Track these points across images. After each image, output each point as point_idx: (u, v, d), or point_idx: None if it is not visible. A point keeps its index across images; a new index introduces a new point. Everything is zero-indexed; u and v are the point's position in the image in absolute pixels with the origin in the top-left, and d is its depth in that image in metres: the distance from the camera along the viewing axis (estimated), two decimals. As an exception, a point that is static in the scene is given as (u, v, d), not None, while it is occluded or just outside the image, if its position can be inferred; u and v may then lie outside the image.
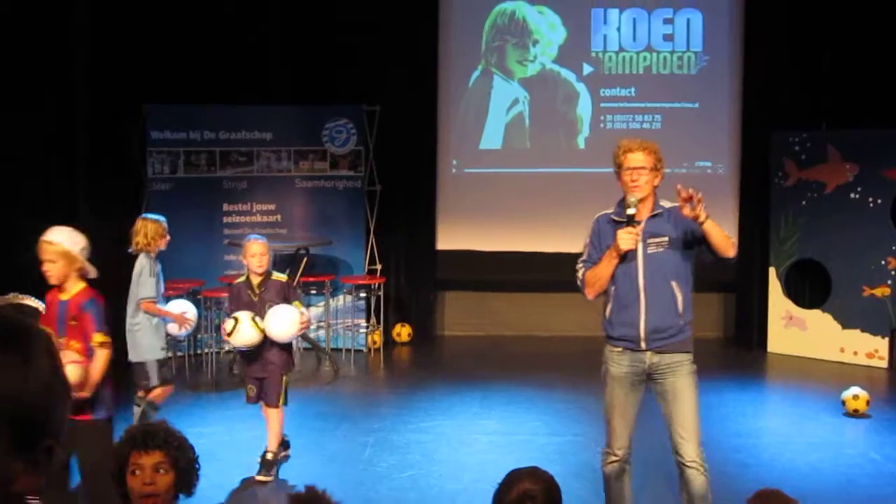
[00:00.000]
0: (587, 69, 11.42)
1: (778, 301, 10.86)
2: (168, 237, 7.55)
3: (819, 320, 10.55)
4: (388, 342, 11.20)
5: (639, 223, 5.23)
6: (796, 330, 10.69)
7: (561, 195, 11.48)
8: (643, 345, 5.25)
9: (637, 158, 5.33)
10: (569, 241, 11.44)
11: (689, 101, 11.42)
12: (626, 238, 5.15)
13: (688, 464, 5.31)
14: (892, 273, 10.02)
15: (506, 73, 11.52)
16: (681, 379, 5.32)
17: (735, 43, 11.33)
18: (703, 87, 11.39)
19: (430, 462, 7.20)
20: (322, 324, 10.82)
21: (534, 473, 3.20)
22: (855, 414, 8.31)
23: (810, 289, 10.81)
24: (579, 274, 5.50)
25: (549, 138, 11.58)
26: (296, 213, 11.05)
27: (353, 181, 11.03)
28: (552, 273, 11.55)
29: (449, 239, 11.65)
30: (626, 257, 5.21)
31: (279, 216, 11.02)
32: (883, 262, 10.06)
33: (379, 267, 11.15)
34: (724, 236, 5.20)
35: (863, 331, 10.27)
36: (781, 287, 10.82)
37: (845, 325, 10.37)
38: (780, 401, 9.30)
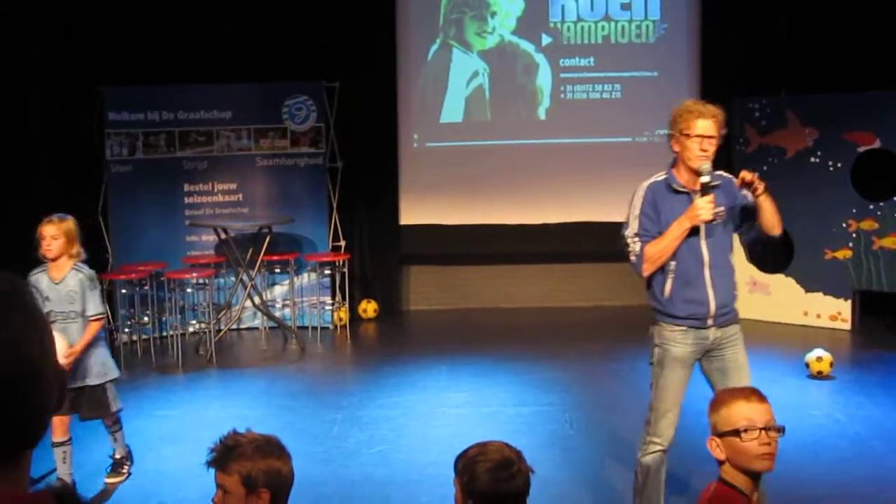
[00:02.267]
0: (546, 40, 11.40)
1: (741, 267, 10.88)
2: None
3: (782, 285, 10.63)
4: (354, 319, 11.18)
5: (713, 190, 4.87)
6: (760, 295, 10.77)
7: (523, 166, 11.49)
8: (710, 321, 4.92)
9: (707, 126, 4.97)
10: (531, 212, 11.51)
11: (649, 70, 11.43)
12: (707, 208, 4.77)
13: None
14: (854, 236, 10.10)
15: (465, 45, 11.48)
16: (740, 350, 5.05)
17: (693, 10, 11.34)
18: (661, 55, 11.41)
19: (399, 436, 7.21)
20: (287, 302, 10.79)
21: (498, 441, 3.20)
22: (819, 376, 8.40)
23: (773, 254, 10.88)
24: (635, 248, 4.97)
25: (509, 110, 11.56)
26: (257, 191, 10.98)
27: (314, 158, 10.98)
28: (516, 245, 11.59)
29: (412, 213, 11.63)
30: (691, 230, 4.83)
31: (241, 195, 10.95)
32: (844, 225, 10.15)
33: (343, 243, 11.11)
34: (775, 211, 4.88)
35: (825, 294, 10.36)
36: (745, 252, 10.88)
37: (808, 289, 10.46)
38: (746, 365, 9.36)
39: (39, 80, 9.37)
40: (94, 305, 6.11)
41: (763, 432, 3.22)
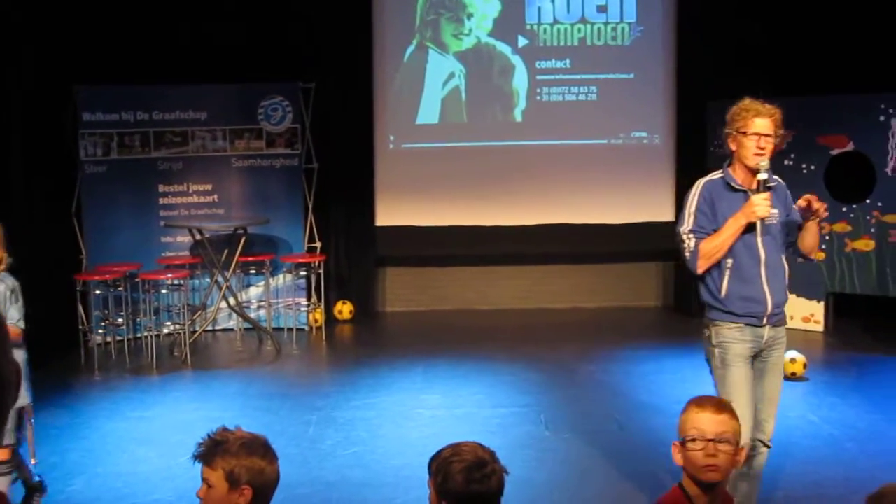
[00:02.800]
0: (522, 42, 11.42)
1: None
2: None
3: (756, 286, 10.67)
4: (330, 320, 11.16)
5: (771, 189, 4.89)
6: (734, 296, 10.80)
7: (499, 168, 11.50)
8: (765, 320, 4.89)
9: (765, 125, 4.97)
10: (507, 214, 11.53)
11: (624, 72, 11.47)
12: (764, 204, 4.77)
13: (767, 442, 5.07)
14: (827, 238, 10.16)
15: (441, 47, 11.48)
16: (780, 354, 5.06)
17: (668, 13, 11.39)
18: (637, 57, 11.45)
19: (375, 438, 7.20)
20: (263, 303, 10.76)
21: (473, 442, 3.20)
22: (793, 377, 8.43)
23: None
24: (689, 244, 4.91)
25: (485, 112, 11.57)
26: (233, 192, 10.94)
27: (289, 159, 10.95)
28: (492, 246, 11.61)
29: (388, 215, 11.62)
30: (747, 227, 4.81)
31: (216, 196, 10.91)
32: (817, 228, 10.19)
33: (318, 245, 11.09)
34: (818, 235, 5.02)
35: (799, 295, 10.41)
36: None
37: (782, 291, 10.50)
38: (720, 367, 9.40)
39: (14, 80, 9.28)
40: (11, 318, 5.56)
41: (710, 444, 3.20)
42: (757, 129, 4.94)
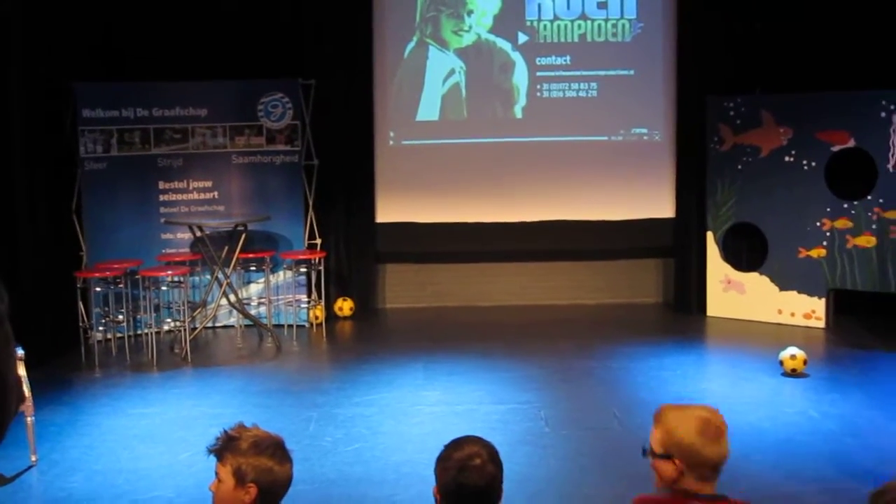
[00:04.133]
0: (522, 38, 11.41)
1: (716, 265, 10.98)
2: None
3: (757, 283, 10.68)
4: (330, 317, 11.16)
5: None
6: (735, 293, 10.82)
7: (499, 165, 11.50)
8: None
9: None
10: (507, 210, 11.53)
11: (625, 69, 11.46)
12: None
13: None
14: (828, 234, 10.16)
15: (441, 43, 11.47)
16: None
17: (669, 9, 11.37)
18: (637, 54, 11.44)
19: (375, 435, 7.20)
20: (263, 300, 10.76)
21: (476, 438, 3.21)
22: (793, 374, 8.44)
23: (748, 252, 10.94)
24: None
25: (485, 108, 11.57)
26: (233, 189, 10.94)
27: (290, 156, 10.94)
28: (492, 243, 11.60)
29: (388, 211, 11.62)
30: None
31: (216, 193, 10.90)
32: (818, 224, 10.20)
33: (319, 241, 11.08)
34: None
35: (800, 292, 10.41)
36: (719, 251, 10.93)
37: (783, 287, 10.51)
38: (721, 363, 9.41)
39: (13, 77, 9.27)
40: None
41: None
42: None
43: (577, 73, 11.46)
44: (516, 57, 11.44)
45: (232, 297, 10.25)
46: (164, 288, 10.21)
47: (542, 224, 11.52)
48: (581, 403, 7.96)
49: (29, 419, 6.51)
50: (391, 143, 11.56)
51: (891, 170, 9.78)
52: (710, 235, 10.98)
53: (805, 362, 8.47)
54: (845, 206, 10.06)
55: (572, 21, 11.39)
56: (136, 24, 10.52)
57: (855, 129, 9.95)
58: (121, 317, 10.13)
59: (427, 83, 11.51)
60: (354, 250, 11.61)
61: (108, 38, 10.44)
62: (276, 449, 3.27)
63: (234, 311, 10.51)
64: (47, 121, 9.92)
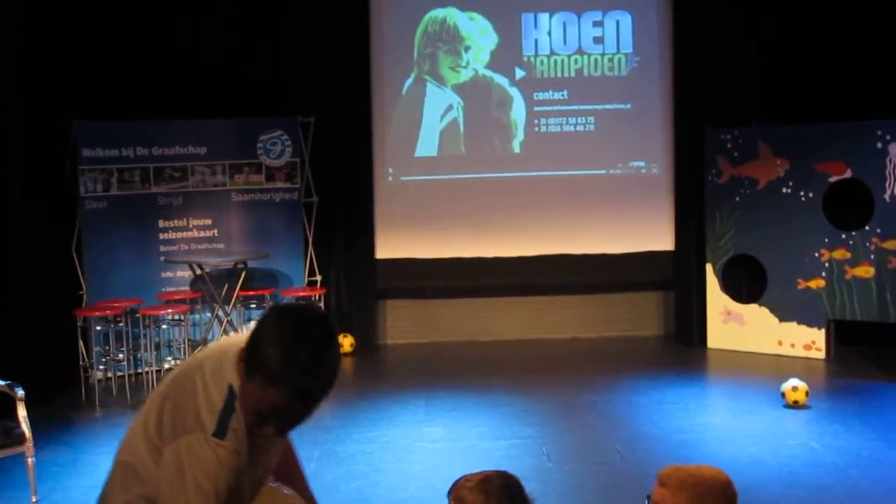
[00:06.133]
0: (519, 73, 11.47)
1: (716, 297, 10.98)
2: None
3: (756, 314, 10.68)
4: (331, 353, 11.11)
5: None
6: (735, 325, 10.82)
7: (498, 200, 11.53)
8: None
9: None
10: (507, 245, 11.54)
11: (622, 102, 11.52)
12: None
13: None
14: (826, 265, 10.17)
15: (439, 79, 11.53)
16: None
17: (664, 43, 11.44)
18: (634, 87, 11.50)
19: (377, 472, 7.18)
20: (263, 337, 10.72)
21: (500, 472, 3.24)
22: (795, 405, 8.43)
23: (747, 284, 10.95)
24: None
25: (484, 144, 11.61)
26: (233, 227, 10.96)
27: (289, 193, 10.98)
28: (492, 278, 11.61)
29: (388, 247, 11.63)
30: None
31: (216, 231, 10.92)
32: (816, 255, 10.22)
33: (319, 278, 11.10)
34: None
35: (799, 323, 10.41)
36: (719, 283, 10.94)
37: (782, 319, 10.51)
38: (722, 395, 9.40)
39: (13, 115, 9.29)
40: None
41: None
42: None
43: (575, 107, 11.51)
44: (514, 92, 11.50)
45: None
46: (164, 326, 10.21)
47: (541, 258, 11.53)
48: (583, 438, 7.94)
49: (29, 459, 6.50)
50: (390, 179, 11.60)
51: (888, 200, 9.82)
52: (709, 267, 10.99)
53: (807, 394, 8.46)
54: (843, 236, 10.08)
55: (569, 56, 11.45)
56: (135, 63, 10.57)
57: (851, 159, 9.99)
58: (121, 355, 10.12)
59: (425, 119, 11.56)
60: (354, 286, 11.60)
61: (108, 76, 10.48)
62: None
63: (235, 349, 10.48)
64: (47, 159, 9.93)
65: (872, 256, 9.95)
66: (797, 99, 10.67)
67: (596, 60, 11.48)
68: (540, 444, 7.70)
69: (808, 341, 10.38)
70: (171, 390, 3.03)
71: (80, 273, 10.33)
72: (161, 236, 10.73)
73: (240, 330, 10.44)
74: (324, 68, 11.08)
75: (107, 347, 10.07)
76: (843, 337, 10.53)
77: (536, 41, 11.46)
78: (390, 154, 11.59)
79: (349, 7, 11.21)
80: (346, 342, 11.36)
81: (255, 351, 2.84)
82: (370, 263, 11.59)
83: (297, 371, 2.82)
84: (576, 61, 11.47)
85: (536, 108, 11.52)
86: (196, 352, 3.18)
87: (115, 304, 9.88)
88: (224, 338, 3.24)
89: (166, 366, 10.40)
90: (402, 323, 11.91)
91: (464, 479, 3.16)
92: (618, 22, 11.44)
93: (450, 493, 3.16)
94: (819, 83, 10.60)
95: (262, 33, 11.01)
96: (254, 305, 10.69)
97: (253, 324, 2.98)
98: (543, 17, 11.43)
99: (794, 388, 8.45)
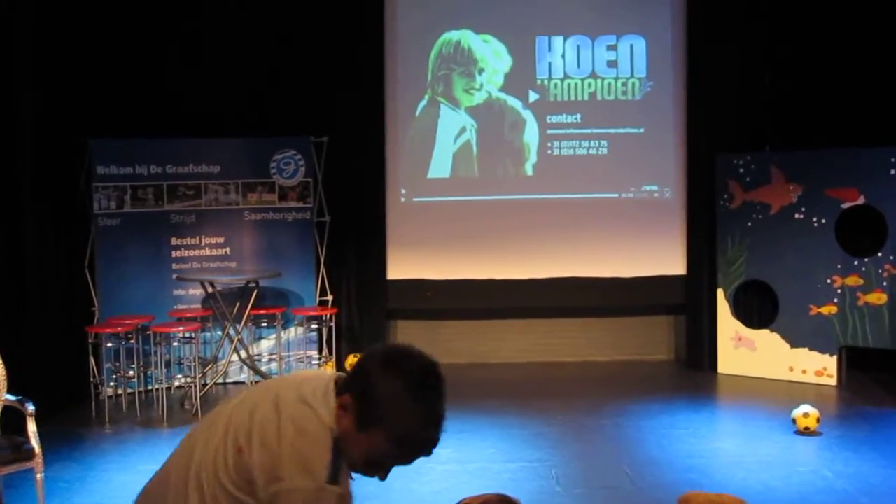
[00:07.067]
0: (533, 96, 11.50)
1: (727, 322, 10.96)
2: None
3: (768, 340, 10.65)
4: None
5: None
6: (746, 350, 10.79)
7: (510, 222, 11.54)
8: None
9: None
10: (518, 267, 11.54)
11: (635, 127, 11.53)
12: None
13: None
14: (838, 291, 10.15)
15: (452, 101, 11.57)
16: None
17: (678, 68, 11.46)
18: (647, 112, 11.51)
19: (385, 493, 7.14)
20: (274, 356, 10.76)
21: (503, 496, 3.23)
22: (806, 432, 8.39)
23: (758, 309, 10.92)
24: None
25: (496, 166, 11.63)
26: (245, 245, 10.99)
27: (302, 212, 11.01)
28: (503, 300, 11.60)
29: (399, 268, 11.64)
30: None
31: (228, 249, 10.95)
32: (829, 281, 10.20)
33: (330, 298, 11.11)
34: None
35: (811, 349, 10.38)
36: (730, 308, 10.92)
37: (794, 344, 10.48)
38: (732, 421, 9.37)
39: (28, 133, 9.34)
40: None
41: None
42: None
43: (588, 130, 11.53)
44: (527, 115, 11.52)
45: (243, 354, 10.25)
46: (175, 344, 10.22)
47: (552, 281, 11.52)
48: (592, 462, 7.91)
49: (38, 475, 6.50)
50: (403, 199, 11.62)
51: (901, 227, 9.80)
52: (720, 292, 10.97)
53: (818, 420, 8.43)
54: (856, 262, 10.07)
55: (582, 79, 11.48)
56: (150, 81, 10.63)
57: (864, 185, 9.98)
58: (132, 372, 10.14)
59: (438, 141, 11.59)
60: (365, 307, 11.60)
61: (123, 94, 10.53)
62: None
63: (245, 368, 10.51)
64: (61, 175, 9.98)
65: (885, 283, 9.92)
66: (810, 124, 10.68)
67: (609, 84, 11.50)
68: (549, 468, 7.68)
69: (820, 367, 10.35)
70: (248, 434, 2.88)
71: (92, 289, 10.36)
72: (173, 254, 10.76)
73: (251, 349, 10.45)
74: (338, 89, 11.12)
75: (117, 364, 10.08)
76: (855, 363, 10.50)
77: (550, 64, 11.49)
78: (403, 175, 11.62)
79: (364, 28, 11.26)
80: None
81: (374, 405, 2.85)
82: (381, 284, 11.60)
83: (432, 432, 2.91)
84: (589, 85, 11.50)
85: (549, 132, 11.54)
86: (246, 394, 3.05)
87: (127, 321, 9.91)
88: (294, 374, 3.14)
89: (176, 383, 10.42)
90: (413, 343, 11.87)
91: (463, 502, 3.16)
92: (632, 46, 11.46)
93: None
94: (832, 108, 10.62)
95: (277, 53, 11.07)
96: (265, 324, 10.70)
97: (354, 364, 3.00)
98: (557, 41, 11.47)
99: (806, 415, 8.41)
